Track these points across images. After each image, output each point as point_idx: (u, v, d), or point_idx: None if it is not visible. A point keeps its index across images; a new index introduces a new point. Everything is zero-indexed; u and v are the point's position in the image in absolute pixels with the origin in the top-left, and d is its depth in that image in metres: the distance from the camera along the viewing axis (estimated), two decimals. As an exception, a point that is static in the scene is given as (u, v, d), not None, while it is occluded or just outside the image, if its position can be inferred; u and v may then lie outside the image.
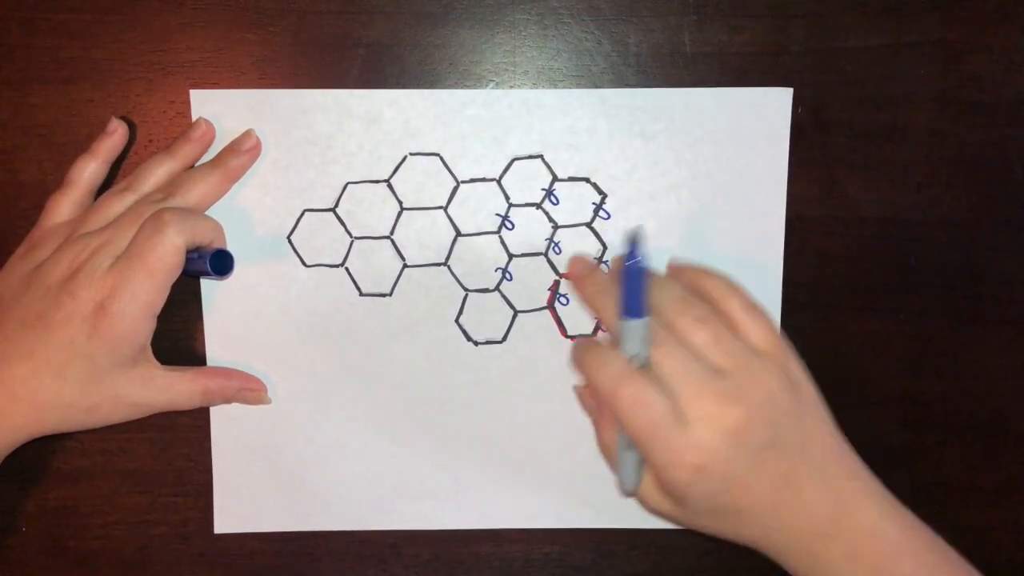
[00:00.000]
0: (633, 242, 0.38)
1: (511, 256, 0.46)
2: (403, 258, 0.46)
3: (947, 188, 0.46)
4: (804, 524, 0.38)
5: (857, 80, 0.45)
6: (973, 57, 0.45)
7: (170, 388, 0.43)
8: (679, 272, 0.41)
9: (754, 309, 0.39)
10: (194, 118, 0.44)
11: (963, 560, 0.39)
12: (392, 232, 0.46)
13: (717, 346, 0.37)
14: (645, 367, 0.37)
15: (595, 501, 0.44)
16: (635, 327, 0.37)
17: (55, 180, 0.44)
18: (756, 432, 0.37)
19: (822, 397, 0.39)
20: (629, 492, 0.39)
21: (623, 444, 0.39)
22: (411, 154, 0.45)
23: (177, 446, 0.47)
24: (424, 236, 0.46)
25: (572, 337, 0.46)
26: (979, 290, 0.46)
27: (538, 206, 0.46)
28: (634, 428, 0.37)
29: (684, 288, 0.39)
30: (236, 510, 0.47)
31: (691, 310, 0.38)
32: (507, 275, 0.46)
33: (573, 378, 0.46)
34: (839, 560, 0.38)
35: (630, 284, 0.37)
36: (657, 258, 0.46)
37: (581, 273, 0.41)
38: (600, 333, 0.46)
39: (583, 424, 0.44)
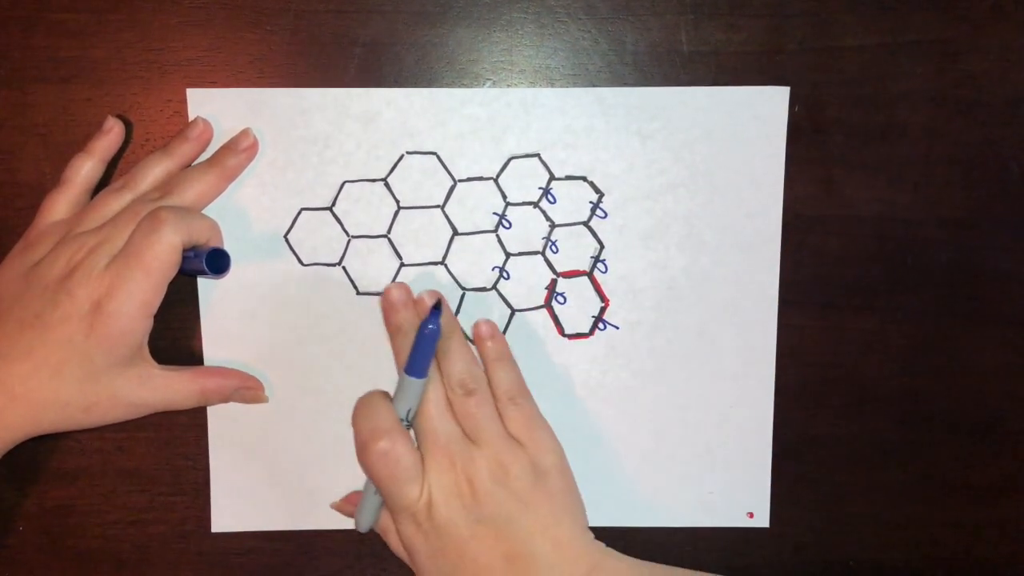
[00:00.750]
0: (435, 307, 0.42)
1: (508, 255, 0.46)
2: (400, 257, 0.46)
3: (944, 187, 0.46)
4: None
5: (854, 79, 0.45)
6: (970, 56, 0.45)
7: (168, 388, 0.43)
8: (480, 340, 0.44)
9: (519, 400, 0.42)
10: (191, 117, 0.45)
11: None
12: (389, 231, 0.46)
13: (471, 419, 0.41)
14: (411, 420, 0.41)
15: (592, 498, 0.44)
16: (414, 385, 0.41)
17: (53, 179, 0.44)
18: (480, 502, 0.40)
19: (579, 500, 0.42)
20: (363, 530, 0.44)
21: (371, 487, 0.42)
22: (408, 153, 0.45)
23: (175, 445, 0.47)
24: (421, 235, 0.46)
25: (570, 336, 0.46)
26: (976, 289, 0.47)
27: (535, 205, 0.46)
28: (376, 479, 0.41)
29: (471, 361, 0.43)
30: (234, 509, 0.47)
31: (467, 382, 0.42)
32: (504, 274, 0.46)
33: (571, 377, 0.46)
34: None
35: (421, 346, 0.41)
36: (651, 258, 0.46)
37: (394, 304, 0.43)
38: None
39: (579, 423, 0.44)
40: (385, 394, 0.42)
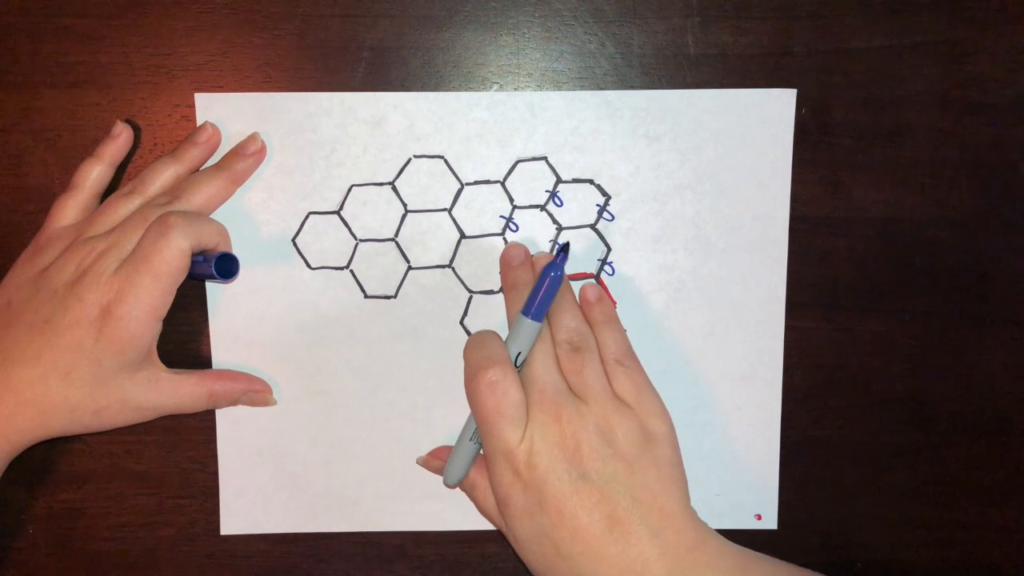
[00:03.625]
0: (561, 253, 0.42)
1: (515, 258, 0.46)
2: (408, 260, 0.46)
3: (951, 188, 0.46)
4: None
5: (861, 81, 0.45)
6: (977, 57, 0.45)
7: (176, 391, 0.43)
8: (587, 304, 0.43)
9: (628, 363, 0.42)
10: (199, 122, 0.45)
11: None
12: (397, 234, 0.46)
13: (579, 375, 0.40)
14: (519, 366, 0.41)
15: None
16: (530, 328, 0.41)
17: (61, 184, 0.45)
18: (583, 459, 0.38)
19: (684, 473, 0.41)
20: (452, 483, 0.43)
21: (466, 434, 0.42)
22: (415, 156, 0.45)
23: (184, 448, 0.47)
24: (428, 238, 0.46)
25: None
26: (983, 290, 0.46)
27: (542, 208, 0.46)
28: (481, 410, 0.39)
29: (580, 319, 0.42)
30: (242, 511, 0.47)
31: (574, 338, 0.41)
32: (511, 277, 0.46)
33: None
34: None
35: (544, 290, 0.41)
36: (658, 260, 0.46)
37: (511, 262, 0.44)
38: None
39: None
40: (497, 333, 0.42)
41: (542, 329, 0.41)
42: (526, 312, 0.41)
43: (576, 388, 0.40)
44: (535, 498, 0.38)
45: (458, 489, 0.45)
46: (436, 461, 0.45)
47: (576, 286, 0.44)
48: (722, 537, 0.40)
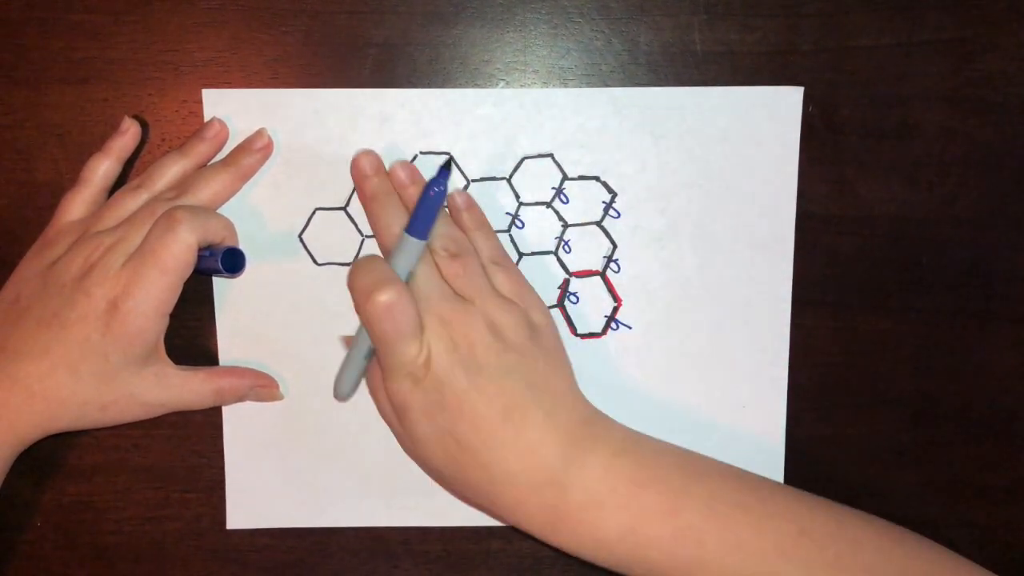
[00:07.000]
0: (444, 169, 0.41)
1: (521, 254, 0.46)
2: (414, 257, 0.46)
3: (958, 187, 0.46)
4: (532, 469, 0.39)
5: (868, 79, 0.45)
6: (985, 56, 0.45)
7: (183, 388, 0.43)
8: (456, 211, 0.44)
9: (504, 263, 0.43)
10: (207, 117, 0.45)
11: (727, 470, 0.41)
12: (403, 231, 0.46)
13: (462, 279, 0.41)
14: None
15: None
16: (415, 246, 0.41)
17: (70, 179, 0.45)
18: (478, 355, 0.39)
19: (567, 358, 0.43)
20: (345, 398, 0.44)
21: (359, 351, 0.42)
22: (422, 153, 0.45)
23: (190, 443, 0.47)
24: (435, 235, 0.46)
25: (583, 335, 0.46)
26: (990, 289, 0.46)
27: (548, 205, 0.46)
28: (380, 332, 0.39)
29: (452, 226, 0.43)
30: (248, 506, 0.47)
31: (451, 245, 0.42)
32: (517, 274, 0.46)
33: (583, 377, 0.46)
34: (577, 512, 0.39)
35: (427, 207, 0.41)
36: (664, 258, 0.46)
37: (367, 173, 0.44)
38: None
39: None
40: (381, 256, 0.42)
41: None
42: (411, 231, 0.41)
43: (460, 290, 0.41)
44: (435, 398, 0.39)
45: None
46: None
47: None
48: (610, 416, 0.42)
